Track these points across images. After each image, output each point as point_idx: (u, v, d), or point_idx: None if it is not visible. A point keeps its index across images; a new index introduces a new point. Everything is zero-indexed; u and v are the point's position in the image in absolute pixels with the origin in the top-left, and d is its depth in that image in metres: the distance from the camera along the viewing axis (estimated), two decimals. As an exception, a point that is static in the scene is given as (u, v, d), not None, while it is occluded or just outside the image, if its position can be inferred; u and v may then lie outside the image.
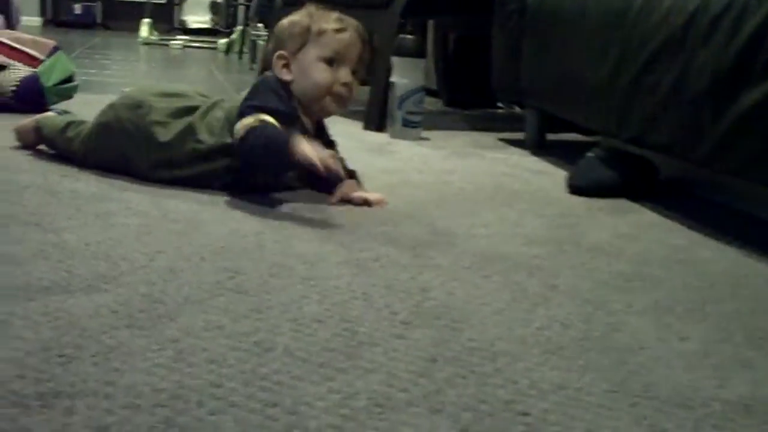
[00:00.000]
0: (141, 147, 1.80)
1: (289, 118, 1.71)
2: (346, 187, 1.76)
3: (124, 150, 1.83)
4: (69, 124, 1.95)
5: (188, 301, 1.11)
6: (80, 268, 1.22)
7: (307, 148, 1.55)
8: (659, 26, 1.84)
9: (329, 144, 1.86)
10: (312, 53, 1.77)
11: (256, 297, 1.14)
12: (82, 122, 1.95)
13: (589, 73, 2.13)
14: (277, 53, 1.80)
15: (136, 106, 1.83)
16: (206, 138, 1.75)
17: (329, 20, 1.79)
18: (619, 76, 1.98)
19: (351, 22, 1.82)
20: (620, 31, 1.98)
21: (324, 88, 1.77)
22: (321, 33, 1.77)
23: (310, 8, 1.83)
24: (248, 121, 1.66)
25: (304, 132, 1.73)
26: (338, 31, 1.78)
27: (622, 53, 1.97)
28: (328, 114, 1.84)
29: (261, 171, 1.76)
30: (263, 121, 1.66)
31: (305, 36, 1.78)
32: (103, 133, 1.86)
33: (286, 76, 1.78)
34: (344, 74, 1.78)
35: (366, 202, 1.74)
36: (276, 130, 1.65)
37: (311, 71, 1.76)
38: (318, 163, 1.52)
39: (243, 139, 1.65)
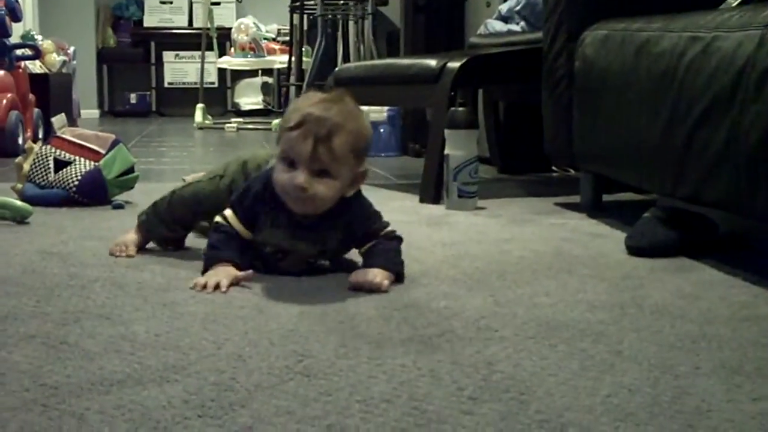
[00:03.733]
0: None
1: (254, 214, 1.77)
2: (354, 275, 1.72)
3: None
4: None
5: (258, 387, 1.13)
6: (151, 360, 1.24)
7: (210, 277, 1.68)
8: (708, 84, 1.85)
9: (350, 238, 1.82)
10: (279, 151, 1.72)
11: (324, 380, 1.16)
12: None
13: (641, 134, 2.14)
14: None
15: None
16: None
17: (295, 114, 1.69)
18: (672, 135, 1.99)
19: (311, 116, 1.66)
20: (670, 91, 1.99)
21: (280, 188, 1.70)
22: (282, 130, 1.71)
23: (306, 95, 1.77)
24: (219, 216, 1.80)
25: (292, 220, 1.75)
26: (291, 129, 1.67)
27: (673, 112, 1.98)
28: (300, 213, 1.74)
29: None
30: (223, 219, 1.78)
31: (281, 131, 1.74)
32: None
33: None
34: (297, 176, 1.66)
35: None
36: (220, 238, 1.77)
37: (274, 170, 1.73)
38: (212, 288, 1.65)
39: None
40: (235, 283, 1.68)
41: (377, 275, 1.68)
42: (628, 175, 2.34)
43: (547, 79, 2.67)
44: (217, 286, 1.65)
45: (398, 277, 1.74)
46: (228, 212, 1.77)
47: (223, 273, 1.69)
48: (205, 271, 1.74)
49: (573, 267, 1.88)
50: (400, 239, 1.82)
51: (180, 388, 1.12)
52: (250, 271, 1.71)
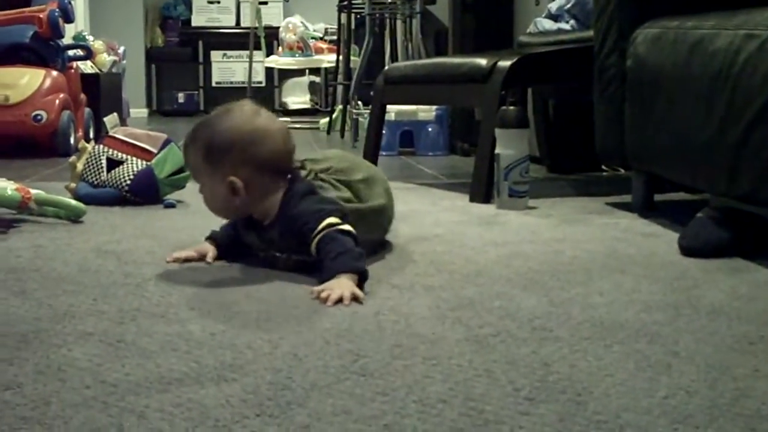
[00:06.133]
0: None
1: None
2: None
3: None
4: None
5: (315, 386, 1.14)
6: (208, 358, 1.25)
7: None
8: (764, 82, 1.83)
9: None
10: None
11: (380, 379, 1.16)
12: None
13: (695, 133, 2.12)
14: None
15: None
16: None
17: None
18: (726, 134, 1.97)
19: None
20: (724, 90, 1.97)
21: None
22: None
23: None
24: None
25: (251, 223, 1.86)
26: None
27: (728, 111, 1.96)
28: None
29: None
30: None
31: None
32: None
33: None
34: None
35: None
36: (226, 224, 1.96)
37: None
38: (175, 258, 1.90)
39: None
40: (195, 257, 1.90)
41: (343, 287, 1.58)
42: (680, 175, 2.32)
43: (598, 78, 2.66)
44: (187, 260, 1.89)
45: (362, 275, 1.65)
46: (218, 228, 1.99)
47: (195, 248, 1.93)
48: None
49: (626, 267, 1.87)
50: (344, 232, 1.71)
51: (238, 387, 1.13)
52: (210, 258, 1.90)
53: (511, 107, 2.69)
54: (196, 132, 1.82)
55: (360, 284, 1.63)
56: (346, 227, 1.73)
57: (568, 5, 3.66)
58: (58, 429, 1.00)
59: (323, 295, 1.57)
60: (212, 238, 1.94)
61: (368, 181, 1.99)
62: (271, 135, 1.80)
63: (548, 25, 3.71)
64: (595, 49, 2.67)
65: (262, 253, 1.87)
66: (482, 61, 2.97)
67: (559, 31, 3.62)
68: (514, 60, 2.90)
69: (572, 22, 3.63)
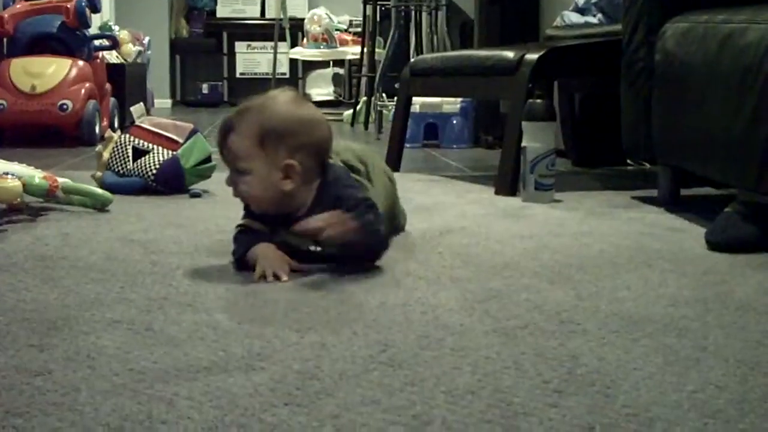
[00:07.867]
0: None
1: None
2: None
3: None
4: None
5: (343, 376, 1.14)
6: (236, 347, 1.25)
7: (266, 267, 1.68)
8: (794, 77, 1.82)
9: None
10: None
11: (408, 370, 1.16)
12: None
13: (724, 128, 2.11)
14: None
15: None
16: None
17: None
18: (756, 129, 1.96)
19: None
20: (755, 85, 1.96)
21: None
22: None
23: None
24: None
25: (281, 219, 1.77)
26: None
27: (758, 105, 1.95)
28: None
29: None
30: (239, 226, 1.83)
31: None
32: None
33: None
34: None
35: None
36: (241, 235, 1.81)
37: None
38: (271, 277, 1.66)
39: None
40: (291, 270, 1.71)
41: (327, 219, 1.64)
42: (709, 169, 2.30)
43: (626, 72, 2.64)
44: (278, 277, 1.66)
45: (368, 231, 1.69)
46: (243, 221, 1.83)
47: (278, 261, 1.70)
48: (240, 258, 1.77)
49: (653, 261, 1.86)
50: (376, 210, 1.74)
51: (266, 376, 1.13)
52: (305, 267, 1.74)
53: (538, 100, 2.69)
54: (241, 117, 1.74)
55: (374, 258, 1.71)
56: (383, 228, 1.77)
57: (596, -1, 3.65)
58: (89, 415, 1.00)
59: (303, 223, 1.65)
60: (260, 238, 1.79)
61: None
62: (319, 122, 1.79)
63: (575, 18, 3.70)
64: (624, 43, 2.65)
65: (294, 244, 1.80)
66: (509, 54, 2.96)
67: (587, 24, 3.61)
68: (542, 53, 2.89)
69: (600, 15, 3.62)
